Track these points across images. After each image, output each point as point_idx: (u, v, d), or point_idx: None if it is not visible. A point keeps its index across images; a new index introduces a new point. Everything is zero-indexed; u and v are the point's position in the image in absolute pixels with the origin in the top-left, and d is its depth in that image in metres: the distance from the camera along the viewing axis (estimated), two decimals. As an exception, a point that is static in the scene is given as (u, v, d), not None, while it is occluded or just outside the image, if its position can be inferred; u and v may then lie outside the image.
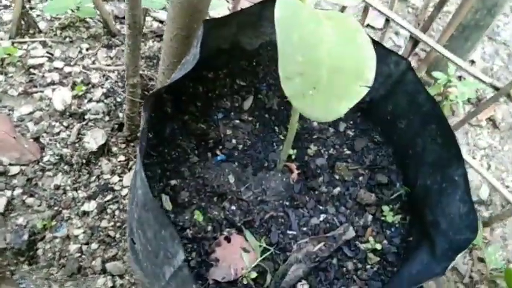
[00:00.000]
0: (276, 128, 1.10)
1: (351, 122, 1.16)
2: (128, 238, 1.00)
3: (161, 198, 0.95)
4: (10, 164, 1.36)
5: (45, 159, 1.40)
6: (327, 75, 0.63)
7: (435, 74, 1.89)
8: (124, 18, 1.87)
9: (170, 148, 0.99)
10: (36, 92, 1.51)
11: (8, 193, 1.32)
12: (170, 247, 0.71)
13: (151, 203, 0.71)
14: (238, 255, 0.92)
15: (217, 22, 0.89)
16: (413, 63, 2.04)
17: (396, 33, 2.26)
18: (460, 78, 2.09)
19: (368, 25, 2.15)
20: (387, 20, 1.57)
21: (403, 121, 1.06)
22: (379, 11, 1.48)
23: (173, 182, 0.97)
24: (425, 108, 0.97)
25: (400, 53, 1.81)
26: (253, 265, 0.91)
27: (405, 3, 2.38)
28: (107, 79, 1.58)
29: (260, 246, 0.94)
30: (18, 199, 1.32)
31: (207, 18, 1.14)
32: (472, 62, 2.22)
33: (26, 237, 1.26)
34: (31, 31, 1.69)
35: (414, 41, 1.54)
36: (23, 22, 1.65)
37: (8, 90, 1.50)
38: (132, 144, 1.44)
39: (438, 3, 1.52)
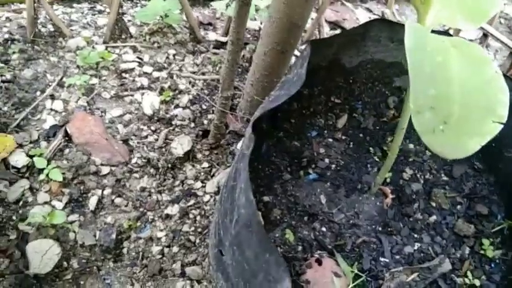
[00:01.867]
0: (370, 148, 1.07)
1: (450, 147, 1.10)
2: (216, 249, 1.01)
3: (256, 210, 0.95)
4: (102, 164, 1.43)
5: (133, 161, 1.46)
6: (459, 110, 0.60)
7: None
8: (209, 24, 1.92)
9: (265, 165, 0.99)
10: (127, 96, 1.58)
11: (99, 192, 1.39)
12: (274, 272, 0.70)
13: (257, 226, 0.71)
14: (329, 279, 0.90)
15: (322, 42, 0.88)
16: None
17: (486, 46, 2.13)
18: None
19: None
20: (485, 35, 1.48)
21: (510, 149, 0.99)
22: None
23: (266, 198, 0.97)
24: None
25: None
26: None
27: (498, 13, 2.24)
28: (193, 86, 1.62)
29: (352, 272, 0.92)
30: (108, 198, 1.39)
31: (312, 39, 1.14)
32: None
33: (114, 236, 1.32)
34: (123, 36, 1.77)
35: (515, 59, 1.45)
36: (116, 27, 1.73)
37: (101, 92, 1.58)
38: (215, 151, 1.47)
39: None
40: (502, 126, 0.62)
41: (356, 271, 0.92)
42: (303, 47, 1.69)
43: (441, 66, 0.62)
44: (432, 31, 0.74)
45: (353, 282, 0.90)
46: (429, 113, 0.59)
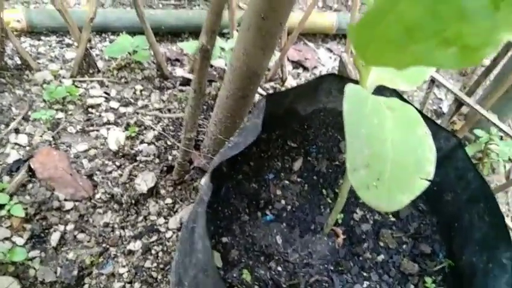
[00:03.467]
0: (323, 190, 1.14)
1: (397, 188, 1.19)
2: (176, 287, 1.04)
3: (213, 254, 1.00)
4: (65, 200, 1.44)
5: (97, 196, 1.48)
6: (390, 168, 0.67)
7: (477, 131, 1.90)
8: (176, 60, 1.98)
9: (224, 206, 1.04)
10: (92, 131, 1.61)
11: (61, 228, 1.40)
12: (229, 315, 0.75)
13: (212, 271, 0.75)
14: (282, 318, 0.95)
15: (278, 95, 0.95)
16: (454, 118, 2.06)
17: (438, 86, 2.28)
18: (501, 137, 2.08)
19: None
20: (432, 81, 1.61)
21: (450, 194, 1.08)
22: (426, 74, 1.52)
23: (224, 239, 1.02)
24: (473, 185, 1.00)
25: (443, 107, 1.83)
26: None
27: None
28: (159, 122, 1.66)
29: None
30: (70, 234, 1.40)
31: (269, 92, 1.21)
32: (515, 120, 2.21)
33: (75, 272, 1.33)
34: (91, 70, 1.80)
35: (459, 103, 1.57)
36: (84, 62, 1.77)
37: (67, 127, 1.61)
38: (179, 187, 1.51)
39: (485, 70, 1.54)
40: (429, 182, 0.69)
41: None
42: (259, 96, 1.78)
43: (376, 127, 0.70)
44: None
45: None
46: (364, 171, 0.67)
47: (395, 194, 0.68)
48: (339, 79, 1.03)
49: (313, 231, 1.08)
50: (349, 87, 0.74)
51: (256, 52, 1.05)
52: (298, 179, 1.14)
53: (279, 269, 1.02)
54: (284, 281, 1.00)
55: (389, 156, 0.69)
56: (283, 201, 1.10)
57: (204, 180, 0.87)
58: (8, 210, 1.35)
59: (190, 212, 1.06)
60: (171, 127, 1.64)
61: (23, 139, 1.54)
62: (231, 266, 1.00)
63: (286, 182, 1.13)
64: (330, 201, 1.13)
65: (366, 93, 0.78)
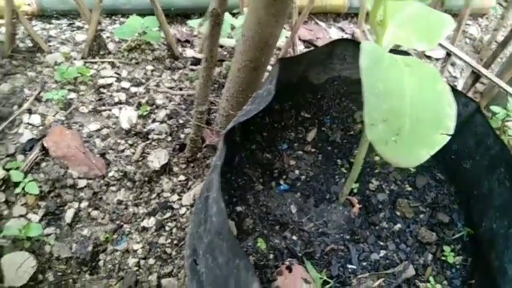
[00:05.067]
0: (338, 160, 1.12)
1: (413, 158, 1.17)
2: (190, 259, 1.04)
3: (227, 218, 0.99)
4: (79, 178, 1.44)
5: (110, 174, 1.48)
6: (410, 122, 0.65)
7: (494, 108, 1.86)
8: (186, 41, 1.97)
9: (238, 176, 1.03)
10: (104, 111, 1.61)
11: (76, 205, 1.40)
12: (244, 277, 0.74)
13: (227, 233, 0.75)
14: (298, 285, 0.94)
15: (291, 60, 0.93)
16: (470, 95, 2.02)
17: (452, 64, 2.24)
18: (518, 113, 2.04)
19: (425, 55, 2.14)
20: (448, 54, 1.57)
21: (468, 161, 1.06)
22: (441, 45, 1.49)
23: (239, 208, 1.01)
24: (493, 151, 0.97)
25: (458, 86, 1.79)
26: (314, 295, 0.93)
27: (462, 34, 2.35)
28: (170, 101, 1.66)
29: (321, 278, 0.96)
30: (84, 211, 1.40)
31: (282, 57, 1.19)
32: (532, 96, 2.16)
33: (90, 248, 1.33)
34: (101, 52, 1.80)
35: (476, 76, 1.54)
36: (94, 43, 1.76)
37: (79, 107, 1.61)
38: (192, 165, 1.50)
39: (502, 41, 1.51)
40: (449, 137, 0.67)
41: (325, 277, 0.96)
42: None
43: (393, 82, 0.68)
44: (392, 50, 0.80)
45: (321, 288, 0.95)
46: (382, 126, 0.65)
47: (414, 149, 0.66)
48: (353, 44, 1.00)
49: (328, 200, 1.06)
50: (366, 45, 0.72)
51: (268, 19, 1.03)
52: (312, 149, 1.12)
53: (294, 238, 1.01)
54: (299, 250, 0.99)
55: (407, 111, 0.67)
56: (297, 171, 1.09)
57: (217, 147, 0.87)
58: (23, 188, 1.36)
59: (204, 183, 1.05)
60: (183, 105, 1.63)
61: (36, 119, 1.55)
62: (246, 234, 0.99)
63: (300, 152, 1.11)
64: (345, 171, 1.11)
65: (382, 50, 0.76)
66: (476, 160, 1.02)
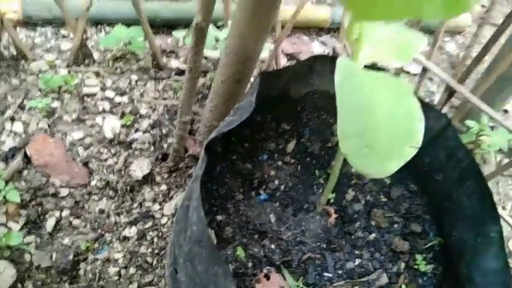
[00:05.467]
0: (316, 171, 1.15)
1: (388, 170, 1.21)
2: (171, 267, 1.06)
3: (207, 226, 1.01)
4: (61, 186, 1.45)
5: (92, 183, 1.49)
6: (381, 136, 0.69)
7: (468, 122, 1.92)
8: (171, 52, 1.99)
9: (219, 185, 1.06)
10: (88, 119, 1.62)
11: (57, 213, 1.41)
12: (222, 283, 0.76)
13: (207, 241, 0.77)
14: (276, 293, 0.97)
15: (271, 74, 0.97)
16: (446, 109, 2.09)
17: (430, 79, 2.31)
18: (492, 128, 2.11)
19: (403, 70, 2.21)
20: (424, 69, 1.63)
21: (440, 174, 1.10)
22: (418, 61, 1.55)
23: (219, 217, 1.04)
24: (463, 164, 1.02)
25: (435, 100, 1.85)
26: (290, 304, 0.96)
27: (439, 50, 2.44)
28: (154, 111, 1.68)
29: (297, 286, 0.98)
30: (66, 220, 1.41)
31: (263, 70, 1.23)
32: (506, 111, 2.24)
33: (71, 257, 1.34)
34: (86, 61, 1.81)
35: (450, 91, 1.60)
36: (80, 52, 1.78)
37: (63, 116, 1.62)
38: (174, 174, 1.52)
39: (475, 57, 1.57)
40: (417, 150, 0.71)
41: (302, 285, 0.99)
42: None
43: (366, 97, 0.72)
44: (368, 67, 0.84)
45: (298, 296, 0.97)
46: (355, 139, 0.69)
47: (385, 161, 0.70)
48: (331, 60, 1.05)
49: (306, 210, 1.10)
50: (341, 61, 0.76)
51: (250, 34, 1.07)
52: (292, 160, 1.15)
53: (273, 246, 1.03)
54: (278, 258, 1.01)
55: (379, 125, 0.71)
56: (276, 181, 1.12)
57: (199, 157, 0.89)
58: (4, 196, 1.36)
59: (185, 192, 1.07)
60: (166, 115, 1.66)
61: (18, 127, 1.55)
62: (226, 243, 1.02)
63: (280, 162, 1.14)
64: (322, 181, 1.15)
65: (357, 66, 0.80)
66: (447, 173, 1.07)
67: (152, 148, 1.58)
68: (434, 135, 1.08)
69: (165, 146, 1.59)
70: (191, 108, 1.21)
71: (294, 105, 1.18)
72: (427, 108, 1.07)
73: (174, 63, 1.94)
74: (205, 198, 1.04)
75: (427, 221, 1.13)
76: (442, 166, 1.08)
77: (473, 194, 0.99)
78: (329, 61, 1.06)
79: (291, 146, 1.17)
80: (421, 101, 1.06)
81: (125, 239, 1.42)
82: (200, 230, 0.79)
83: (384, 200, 1.16)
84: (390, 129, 0.71)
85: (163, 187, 1.50)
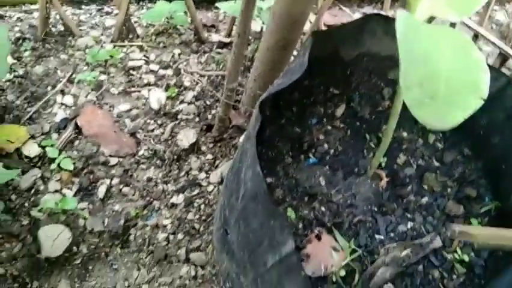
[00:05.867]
0: (366, 135, 1.14)
1: (441, 135, 1.18)
2: (220, 230, 1.07)
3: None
4: (110, 156, 1.49)
5: (140, 153, 1.52)
6: (445, 86, 0.67)
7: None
8: (212, 26, 2.00)
9: (268, 149, 1.06)
10: (134, 92, 1.66)
11: (107, 181, 1.45)
12: (279, 236, 0.76)
13: (263, 194, 0.77)
14: (328, 253, 0.97)
15: (324, 34, 0.95)
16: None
17: (479, 49, 2.22)
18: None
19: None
20: (476, 36, 1.56)
21: (497, 136, 1.06)
22: (469, 27, 1.49)
23: (268, 180, 1.04)
24: (523, 124, 0.98)
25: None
26: (342, 264, 0.95)
27: (489, 20, 2.33)
28: (197, 83, 1.69)
29: (349, 247, 0.98)
30: (116, 188, 1.45)
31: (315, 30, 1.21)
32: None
33: (122, 222, 1.38)
34: (130, 36, 1.84)
35: (503, 58, 1.53)
36: (124, 28, 1.81)
37: (110, 88, 1.66)
38: (219, 144, 1.54)
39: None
40: (483, 101, 0.69)
41: (353, 246, 0.98)
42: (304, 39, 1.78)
43: (429, 47, 0.69)
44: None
45: (350, 256, 0.97)
46: (418, 89, 0.67)
47: (449, 112, 0.68)
48: (385, 19, 1.02)
49: (356, 174, 1.08)
50: (401, 12, 0.73)
51: (299, -3, 1.05)
52: (341, 125, 1.14)
53: (323, 209, 1.03)
54: (328, 220, 1.01)
55: (442, 75, 0.68)
56: (326, 145, 1.11)
57: (252, 117, 0.89)
58: (58, 164, 1.42)
59: (235, 156, 1.08)
60: (210, 87, 1.67)
61: (68, 99, 1.60)
62: (276, 205, 1.02)
63: (329, 127, 1.13)
64: (373, 146, 1.13)
65: (418, 19, 0.77)
66: (505, 134, 1.03)
67: (197, 119, 1.60)
68: (493, 95, 1.04)
69: (209, 117, 1.60)
70: (238, 75, 1.21)
71: (344, 69, 1.16)
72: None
73: (215, 37, 1.95)
74: (256, 161, 1.04)
75: (482, 185, 1.10)
76: (500, 128, 1.04)
77: (535, 155, 0.95)
78: (381, 20, 1.03)
79: (340, 111, 1.15)
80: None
81: (173, 206, 1.45)
82: (256, 185, 0.80)
83: (437, 164, 1.13)
84: (454, 79, 0.69)
85: (209, 156, 1.52)
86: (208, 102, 1.63)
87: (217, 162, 1.52)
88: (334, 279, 0.95)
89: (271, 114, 1.09)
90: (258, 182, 0.78)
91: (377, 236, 1.02)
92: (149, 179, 1.48)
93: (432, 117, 0.68)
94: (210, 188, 1.48)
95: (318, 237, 0.99)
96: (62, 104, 1.59)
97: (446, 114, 0.68)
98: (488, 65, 1.03)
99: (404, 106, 0.73)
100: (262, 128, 1.07)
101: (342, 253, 0.97)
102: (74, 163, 1.43)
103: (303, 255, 0.97)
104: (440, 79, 0.68)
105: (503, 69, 2.02)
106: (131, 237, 1.40)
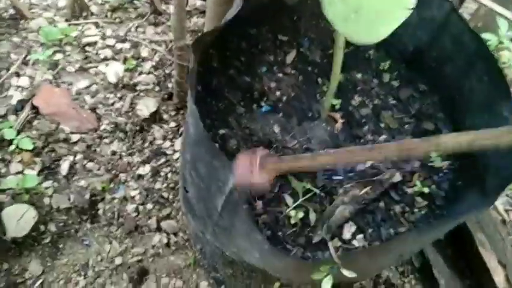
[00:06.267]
0: (319, 79, 1.12)
1: (396, 73, 1.16)
2: (182, 189, 1.06)
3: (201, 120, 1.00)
4: (71, 133, 1.46)
5: (102, 127, 1.50)
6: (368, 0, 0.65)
7: (485, 35, 1.83)
8: (169, -2, 1.95)
9: (218, 100, 1.04)
10: (91, 68, 1.62)
11: (70, 158, 1.43)
12: (222, 175, 0.75)
13: (202, 133, 0.75)
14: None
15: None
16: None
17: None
18: None
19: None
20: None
21: (448, 66, 1.05)
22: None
23: (221, 131, 1.02)
24: (470, 48, 0.96)
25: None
26: (295, 204, 0.94)
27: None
28: (155, 53, 1.66)
29: (304, 187, 0.96)
30: (80, 164, 1.43)
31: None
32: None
33: (87, 196, 1.36)
34: (84, 14, 1.80)
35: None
36: (76, 6, 1.76)
37: (66, 67, 1.62)
38: (182, 111, 1.51)
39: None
40: (409, 12, 0.67)
41: (309, 186, 0.96)
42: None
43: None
44: None
45: (304, 197, 0.95)
46: (341, 3, 0.64)
47: (375, 26, 0.66)
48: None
49: (310, 118, 1.07)
50: None
51: None
52: (292, 71, 1.12)
53: (279, 154, 1.01)
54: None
55: (365, -13, 0.66)
56: (278, 93, 1.09)
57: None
58: (17, 145, 1.38)
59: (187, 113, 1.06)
60: (168, 56, 1.63)
61: (24, 81, 1.56)
62: (230, 156, 1.00)
63: (280, 74, 1.11)
64: (325, 89, 1.11)
65: None
66: (455, 62, 1.02)
67: (157, 88, 1.57)
68: (439, 24, 1.03)
69: (170, 85, 1.58)
70: (185, 32, 1.18)
71: (290, 15, 1.13)
72: (428, -6, 1.01)
73: (172, 8, 1.90)
74: (205, 114, 1.03)
75: (440, 119, 1.09)
76: (450, 56, 1.03)
77: (483, 77, 0.93)
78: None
79: (290, 57, 1.13)
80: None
81: (140, 177, 1.43)
82: (195, 127, 0.78)
83: (393, 102, 1.11)
84: (378, -8, 0.66)
85: (172, 124, 1.50)
86: (167, 71, 1.60)
87: (181, 129, 1.50)
88: (293, 221, 0.93)
89: (218, 66, 1.07)
90: (196, 122, 0.76)
91: (334, 177, 1.00)
92: (114, 153, 1.46)
93: (358, 32, 0.66)
94: (176, 156, 1.46)
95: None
96: (17, 86, 1.55)
97: (372, 29, 0.66)
98: (431, -8, 1.01)
99: (354, 46, 0.70)
100: (210, 79, 1.05)
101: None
102: (34, 143, 1.40)
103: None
104: (364, -7, 0.66)
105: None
106: (100, 212, 1.38)
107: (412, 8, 0.67)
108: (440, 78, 1.08)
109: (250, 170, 0.89)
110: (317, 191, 0.96)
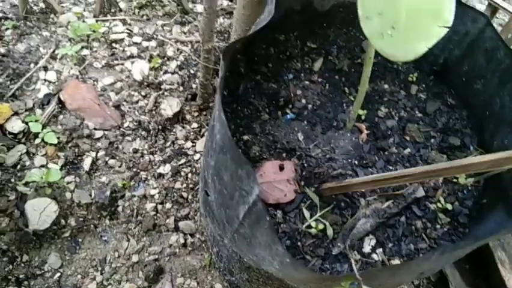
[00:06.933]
0: (346, 89, 1.11)
1: (424, 85, 1.14)
2: (202, 192, 1.06)
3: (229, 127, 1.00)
4: (95, 129, 1.48)
5: (125, 125, 1.51)
6: (406, 15, 0.64)
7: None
8: (196, -3, 1.96)
9: (243, 106, 1.04)
10: (117, 65, 1.63)
11: (93, 154, 1.44)
12: (246, 185, 0.75)
13: (229, 142, 0.75)
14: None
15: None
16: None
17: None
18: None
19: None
20: (463, -12, 1.51)
21: (480, 81, 1.03)
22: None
23: (245, 137, 1.02)
24: (503, 65, 0.94)
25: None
26: (316, 216, 0.93)
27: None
28: (181, 53, 1.67)
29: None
30: (102, 160, 1.44)
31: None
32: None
33: (108, 193, 1.38)
34: (112, 10, 1.81)
35: (493, 9, 1.48)
36: (105, 2, 1.78)
37: (93, 63, 1.64)
38: (204, 113, 1.51)
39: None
40: (447, 29, 0.65)
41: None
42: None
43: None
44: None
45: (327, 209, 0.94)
46: (378, 19, 0.63)
47: (411, 42, 0.65)
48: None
49: (335, 128, 1.06)
50: None
51: None
52: (319, 79, 1.11)
53: (302, 163, 1.01)
54: (306, 174, 0.99)
55: (403, 3, 0.65)
56: (303, 101, 1.08)
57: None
58: (42, 139, 1.40)
59: (212, 115, 1.06)
60: (193, 57, 1.64)
61: (51, 75, 1.59)
62: (253, 162, 1.00)
63: (307, 82, 1.10)
64: (352, 99, 1.10)
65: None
66: (487, 79, 0.99)
67: (181, 88, 1.57)
68: (473, 39, 1.01)
69: (194, 86, 1.58)
70: (213, 35, 1.18)
71: (320, 22, 1.12)
72: (463, 8, 0.99)
73: (199, 8, 1.91)
74: (231, 119, 1.03)
75: (467, 134, 1.06)
76: (482, 72, 1.01)
77: (516, 95, 0.91)
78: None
79: (317, 65, 1.12)
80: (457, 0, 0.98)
81: (160, 176, 1.44)
82: (223, 134, 0.78)
83: (420, 115, 1.10)
84: (416, 7, 0.65)
85: (194, 125, 1.50)
86: (191, 71, 1.61)
87: (203, 130, 1.50)
88: (314, 232, 0.93)
89: (245, 71, 1.07)
90: (224, 130, 0.76)
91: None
92: (136, 150, 1.47)
93: (393, 49, 0.65)
94: (197, 156, 1.46)
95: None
96: (45, 80, 1.58)
97: (408, 45, 0.65)
98: (465, 5, 0.99)
99: (384, 57, 0.70)
100: (237, 85, 1.05)
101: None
102: (58, 137, 1.42)
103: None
104: (400, 7, 0.65)
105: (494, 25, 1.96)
106: (120, 209, 1.40)
107: (449, 27, 0.66)
108: (470, 92, 1.06)
109: (281, 188, 0.90)
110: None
